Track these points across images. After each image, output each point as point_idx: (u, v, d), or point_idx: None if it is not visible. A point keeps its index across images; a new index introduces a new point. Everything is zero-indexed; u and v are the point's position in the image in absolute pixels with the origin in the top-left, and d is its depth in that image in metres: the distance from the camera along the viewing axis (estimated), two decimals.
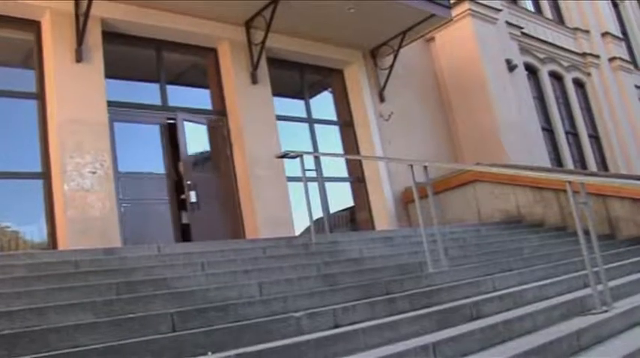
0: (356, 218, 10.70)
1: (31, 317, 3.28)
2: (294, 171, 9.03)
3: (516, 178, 8.78)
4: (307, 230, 9.99)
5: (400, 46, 10.53)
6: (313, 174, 7.28)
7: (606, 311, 4.12)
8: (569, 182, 4.39)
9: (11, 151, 7.31)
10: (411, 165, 5.36)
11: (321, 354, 3.05)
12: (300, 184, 10.23)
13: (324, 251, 5.80)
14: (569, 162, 13.29)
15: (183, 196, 8.22)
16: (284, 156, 6.94)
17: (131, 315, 3.40)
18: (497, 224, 8.81)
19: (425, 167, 5.40)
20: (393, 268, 5.20)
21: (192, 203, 8.18)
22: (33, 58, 7.57)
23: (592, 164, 14.12)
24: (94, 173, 7.29)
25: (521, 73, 12.71)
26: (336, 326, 3.57)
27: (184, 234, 8.21)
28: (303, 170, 6.71)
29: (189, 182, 8.18)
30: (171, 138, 8.50)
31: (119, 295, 3.90)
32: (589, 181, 4.79)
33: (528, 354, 3.18)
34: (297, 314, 3.49)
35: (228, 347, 3.08)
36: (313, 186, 9.85)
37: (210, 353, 3.03)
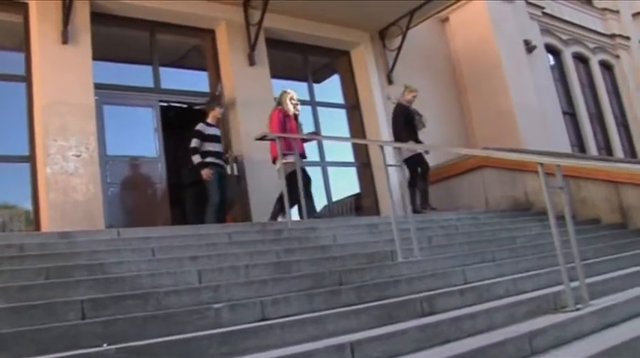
0: (362, 204, 10.36)
1: None
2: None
3: (524, 164, 8.27)
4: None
5: (408, 27, 10.08)
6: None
7: (578, 310, 3.70)
8: (541, 164, 3.98)
9: (1, 135, 7.30)
10: (381, 146, 4.99)
11: (225, 350, 2.75)
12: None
13: (295, 237, 5.49)
14: (592, 148, 12.62)
15: None
16: (262, 138, 6.64)
17: (39, 302, 3.19)
18: (502, 211, 8.35)
19: (398, 149, 5.02)
20: (360, 256, 4.86)
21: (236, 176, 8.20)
22: (21, 41, 7.49)
23: (618, 150, 13.39)
24: (78, 156, 7.17)
25: (541, 54, 12.08)
26: (263, 320, 3.28)
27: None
28: (281, 153, 6.40)
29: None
30: (165, 121, 8.33)
31: (46, 280, 3.69)
32: (565, 163, 4.35)
33: None
34: (216, 306, 3.21)
35: (131, 339, 2.83)
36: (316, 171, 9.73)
37: (105, 345, 2.79)
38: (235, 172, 8.09)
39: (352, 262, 4.67)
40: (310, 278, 4.06)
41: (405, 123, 8.13)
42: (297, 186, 6.38)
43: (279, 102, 7.37)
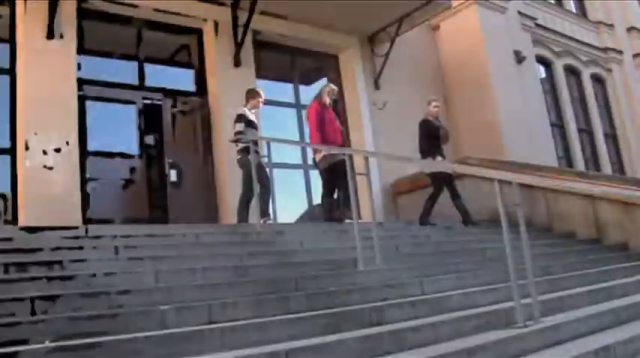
0: None
1: None
2: (282, 157, 8.93)
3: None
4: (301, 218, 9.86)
5: (397, 33, 10.14)
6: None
7: (526, 327, 3.74)
8: (498, 180, 4.04)
9: None
10: (351, 155, 5.05)
11: (162, 352, 2.80)
12: (292, 171, 10.08)
13: (261, 241, 5.54)
14: (579, 161, 12.66)
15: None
16: (236, 140, 6.69)
17: None
18: (479, 222, 8.37)
19: (366, 158, 5.08)
20: (322, 263, 4.90)
21: (172, 182, 8.15)
22: (7, 33, 7.53)
23: (606, 164, 13.44)
24: (58, 150, 7.21)
25: (531, 65, 12.12)
26: (210, 323, 3.33)
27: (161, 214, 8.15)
28: (254, 155, 6.45)
29: (170, 160, 8.22)
30: (147, 118, 8.37)
31: (3, 275, 3.75)
32: (520, 180, 4.41)
33: None
34: (163, 307, 3.27)
35: (73, 338, 2.88)
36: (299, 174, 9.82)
37: (47, 342, 2.84)
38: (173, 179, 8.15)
39: (313, 268, 4.71)
40: (266, 284, 4.10)
41: (430, 137, 8.12)
42: (336, 180, 6.76)
43: (319, 94, 7.47)
